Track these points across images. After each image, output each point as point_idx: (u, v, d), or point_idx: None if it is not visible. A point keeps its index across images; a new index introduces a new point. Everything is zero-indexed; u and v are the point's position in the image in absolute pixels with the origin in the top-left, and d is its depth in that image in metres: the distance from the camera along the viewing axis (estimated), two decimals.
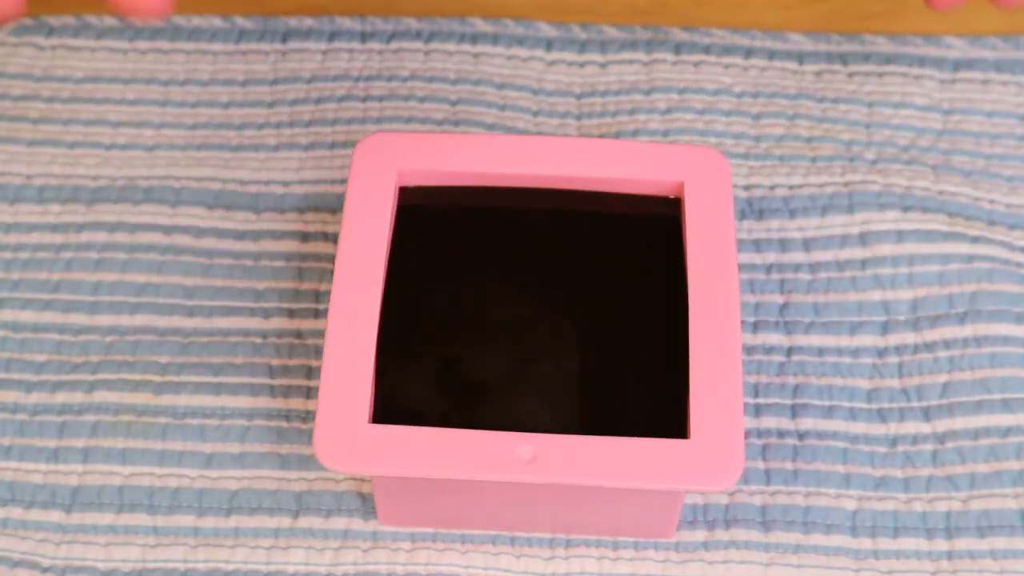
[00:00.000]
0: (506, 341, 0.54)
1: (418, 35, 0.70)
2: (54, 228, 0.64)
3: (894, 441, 0.59)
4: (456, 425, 0.52)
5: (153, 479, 0.58)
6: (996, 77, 0.69)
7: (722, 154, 0.58)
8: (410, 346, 0.54)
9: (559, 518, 0.56)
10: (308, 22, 0.70)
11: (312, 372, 0.60)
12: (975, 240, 0.63)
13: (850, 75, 0.69)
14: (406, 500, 0.55)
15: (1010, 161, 0.67)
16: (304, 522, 0.57)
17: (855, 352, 0.61)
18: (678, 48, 0.69)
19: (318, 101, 0.68)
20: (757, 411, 0.59)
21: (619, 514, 0.55)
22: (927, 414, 0.59)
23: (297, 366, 0.60)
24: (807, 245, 0.63)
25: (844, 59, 0.69)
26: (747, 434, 0.59)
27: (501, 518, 0.56)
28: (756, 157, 0.66)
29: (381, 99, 0.68)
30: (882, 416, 0.59)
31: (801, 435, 0.59)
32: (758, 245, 0.63)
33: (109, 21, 0.71)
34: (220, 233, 0.64)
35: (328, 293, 0.62)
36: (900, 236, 0.63)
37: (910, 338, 0.61)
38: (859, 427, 0.59)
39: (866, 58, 0.69)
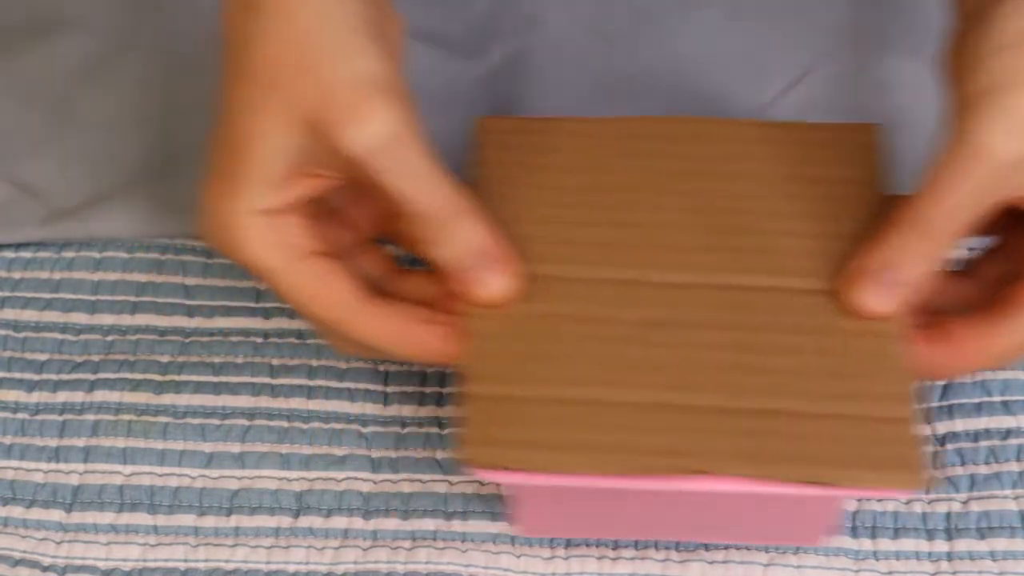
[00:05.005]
0: None
1: None
2: None
3: None
4: None
5: (154, 478, 0.58)
6: None
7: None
8: None
9: (717, 525, 0.55)
10: None
11: (313, 372, 0.60)
12: None
13: None
14: (549, 509, 0.54)
15: None
16: (304, 521, 0.57)
17: None
18: None
19: None
20: None
21: (776, 520, 0.54)
22: (927, 415, 0.59)
23: (298, 366, 0.60)
24: None
25: None
26: None
27: (655, 526, 0.55)
28: None
29: None
30: None
31: None
32: None
33: None
34: None
35: None
36: None
37: None
38: None
39: None
